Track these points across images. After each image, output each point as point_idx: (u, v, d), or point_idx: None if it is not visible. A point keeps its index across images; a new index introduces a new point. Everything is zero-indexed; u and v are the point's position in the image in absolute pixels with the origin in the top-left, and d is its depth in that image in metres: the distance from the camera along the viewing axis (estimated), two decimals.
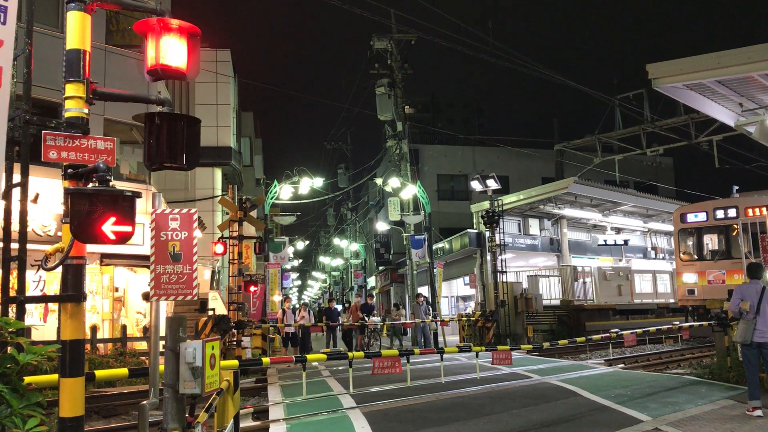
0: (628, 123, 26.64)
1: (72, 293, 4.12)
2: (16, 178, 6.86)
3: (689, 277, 19.29)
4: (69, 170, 4.19)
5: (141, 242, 14.41)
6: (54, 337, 10.63)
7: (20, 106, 6.84)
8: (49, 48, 12.82)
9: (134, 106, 5.03)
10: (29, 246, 7.02)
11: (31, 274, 11.60)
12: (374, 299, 33.60)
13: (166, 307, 11.98)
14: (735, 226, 18.11)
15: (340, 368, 13.74)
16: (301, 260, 61.19)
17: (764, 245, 12.36)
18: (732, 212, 18.37)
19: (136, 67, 15.80)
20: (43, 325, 12.62)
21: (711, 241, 19.36)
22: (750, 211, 17.57)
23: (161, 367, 4.34)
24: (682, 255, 19.86)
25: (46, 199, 12.58)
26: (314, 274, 77.70)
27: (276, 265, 24.44)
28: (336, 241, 53.89)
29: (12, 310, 6.80)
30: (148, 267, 4.84)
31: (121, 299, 16.87)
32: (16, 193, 6.83)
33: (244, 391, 11.18)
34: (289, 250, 34.68)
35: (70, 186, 4.14)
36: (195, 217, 4.73)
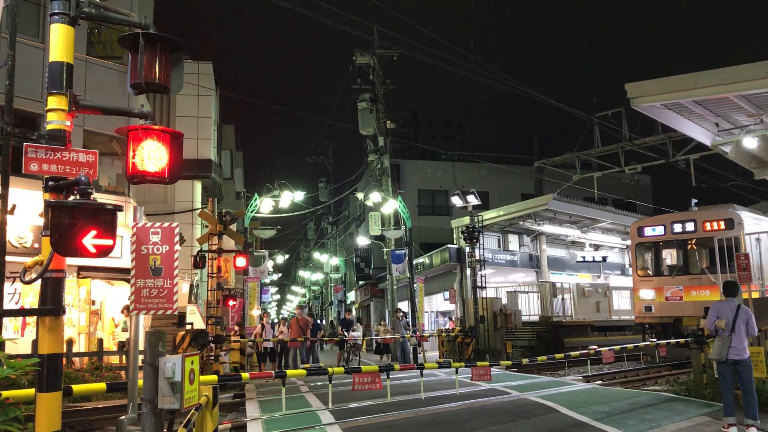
0: (607, 141, 26.99)
1: (51, 307, 4.08)
2: None
3: (646, 294, 18.47)
4: (50, 183, 4.16)
5: (119, 255, 14.23)
6: (30, 351, 10.48)
7: (1, 117, 6.77)
8: (29, 58, 12.73)
9: (115, 117, 5.02)
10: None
11: (6, 287, 11.40)
12: (353, 314, 33.48)
13: (143, 321, 11.84)
14: (690, 242, 17.67)
15: (320, 383, 13.67)
16: (280, 274, 60.76)
17: (738, 263, 12.47)
18: (690, 226, 17.65)
19: (118, 78, 15.79)
20: (19, 338, 12.43)
21: (669, 256, 18.60)
22: (708, 224, 17.05)
23: (140, 382, 4.30)
24: (639, 270, 19.06)
25: (23, 210, 12.42)
26: (294, 288, 77.15)
27: (255, 279, 24.28)
28: (316, 255, 53.68)
29: None
30: (126, 280, 4.82)
31: (98, 312, 16.67)
32: None
33: (222, 407, 11.06)
34: (269, 264, 34.50)
35: (51, 198, 4.11)
36: (176, 231, 4.72)
